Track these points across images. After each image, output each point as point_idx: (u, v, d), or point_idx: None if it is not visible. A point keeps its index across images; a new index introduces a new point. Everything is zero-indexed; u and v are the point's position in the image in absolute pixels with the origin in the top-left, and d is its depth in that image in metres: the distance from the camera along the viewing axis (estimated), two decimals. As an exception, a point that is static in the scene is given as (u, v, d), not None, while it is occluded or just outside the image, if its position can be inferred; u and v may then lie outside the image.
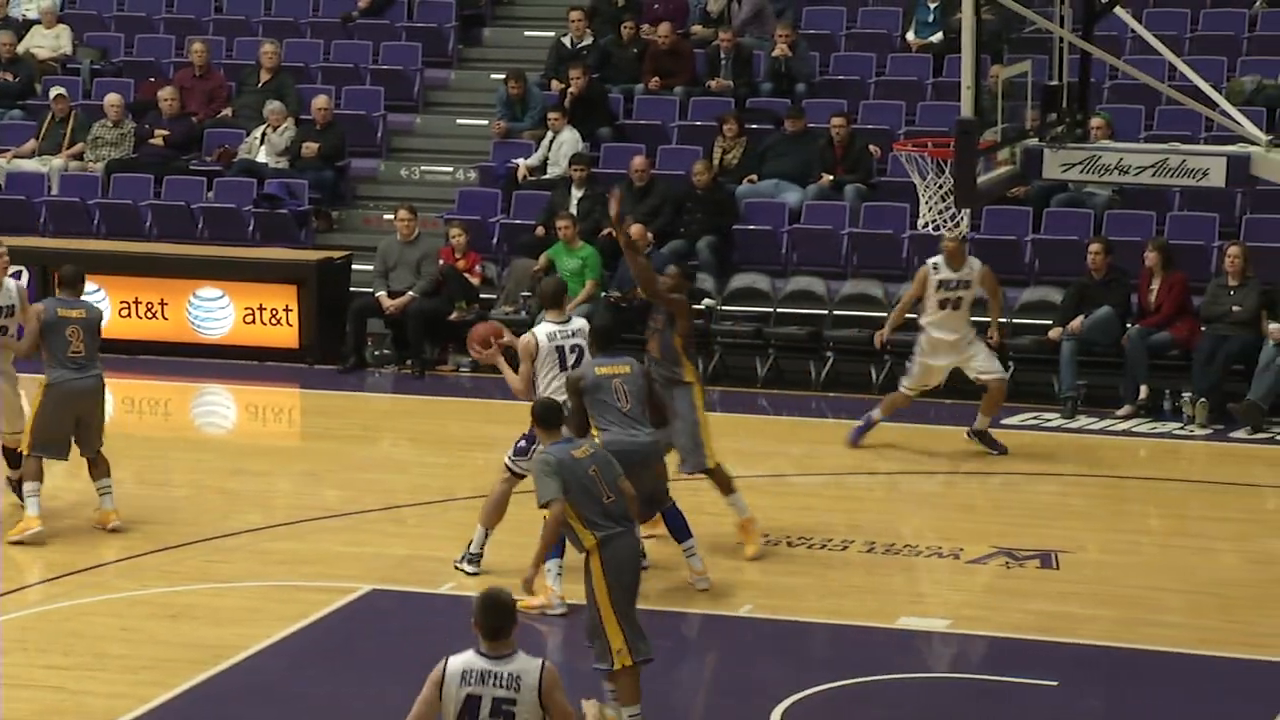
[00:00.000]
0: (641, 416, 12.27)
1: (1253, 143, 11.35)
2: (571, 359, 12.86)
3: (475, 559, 13.24)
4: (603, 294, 19.47)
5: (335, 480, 15.95)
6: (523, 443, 13.06)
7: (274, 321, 19.97)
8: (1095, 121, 17.60)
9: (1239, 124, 11.53)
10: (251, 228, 21.41)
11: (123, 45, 24.27)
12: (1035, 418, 17.79)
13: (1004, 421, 17.72)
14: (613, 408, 12.20)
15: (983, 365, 16.45)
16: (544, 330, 12.96)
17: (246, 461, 16.79)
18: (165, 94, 22.48)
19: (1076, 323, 17.95)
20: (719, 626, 12.42)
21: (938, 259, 16.38)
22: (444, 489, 15.63)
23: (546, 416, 10.72)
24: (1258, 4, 21.67)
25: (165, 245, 21.05)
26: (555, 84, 22.05)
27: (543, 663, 7.86)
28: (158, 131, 22.38)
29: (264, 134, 22.08)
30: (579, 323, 13.05)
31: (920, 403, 18.54)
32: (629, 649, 10.26)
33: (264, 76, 22.73)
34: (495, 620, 7.84)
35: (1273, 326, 17.71)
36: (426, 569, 13.44)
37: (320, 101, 22.01)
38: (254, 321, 20.01)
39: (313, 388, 19.31)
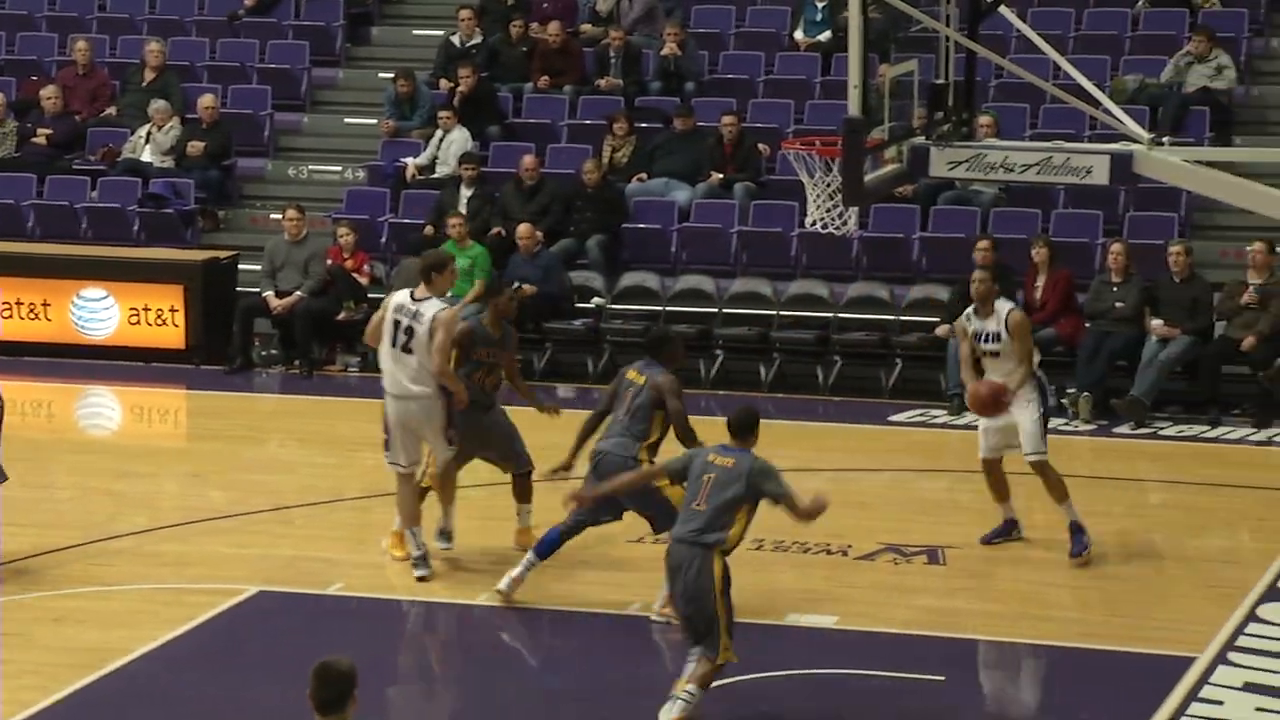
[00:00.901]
0: (627, 425, 12.29)
1: (1135, 141, 11.44)
2: (402, 340, 12.76)
3: (446, 534, 13.51)
4: (492, 293, 19.40)
5: (222, 481, 15.82)
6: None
7: (160, 322, 19.79)
8: (982, 120, 17.78)
9: (1122, 122, 11.62)
10: (136, 228, 21.21)
11: (4, 43, 23.97)
12: (923, 414, 17.90)
13: (891, 419, 17.81)
14: (618, 408, 12.44)
15: (1023, 441, 13.63)
16: (396, 297, 12.91)
17: (132, 463, 16.62)
18: (48, 92, 22.22)
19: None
20: (607, 625, 12.39)
21: (970, 308, 13.91)
22: (332, 489, 15.53)
23: (743, 424, 10.70)
24: (1140, 3, 21.89)
25: (48, 245, 20.80)
26: (444, 83, 21.97)
27: None
28: (40, 130, 22.12)
29: (149, 133, 21.86)
30: (430, 309, 12.73)
31: (809, 400, 18.63)
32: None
33: (149, 75, 22.52)
34: (326, 693, 7.25)
35: (1155, 323, 17.90)
36: (314, 570, 13.34)
37: (206, 100, 21.82)
38: (139, 322, 19.82)
39: (199, 388, 19.15)
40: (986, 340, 13.62)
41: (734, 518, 10.53)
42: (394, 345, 12.82)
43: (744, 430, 10.69)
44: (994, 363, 13.62)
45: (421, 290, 12.84)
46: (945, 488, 15.76)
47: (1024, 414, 13.53)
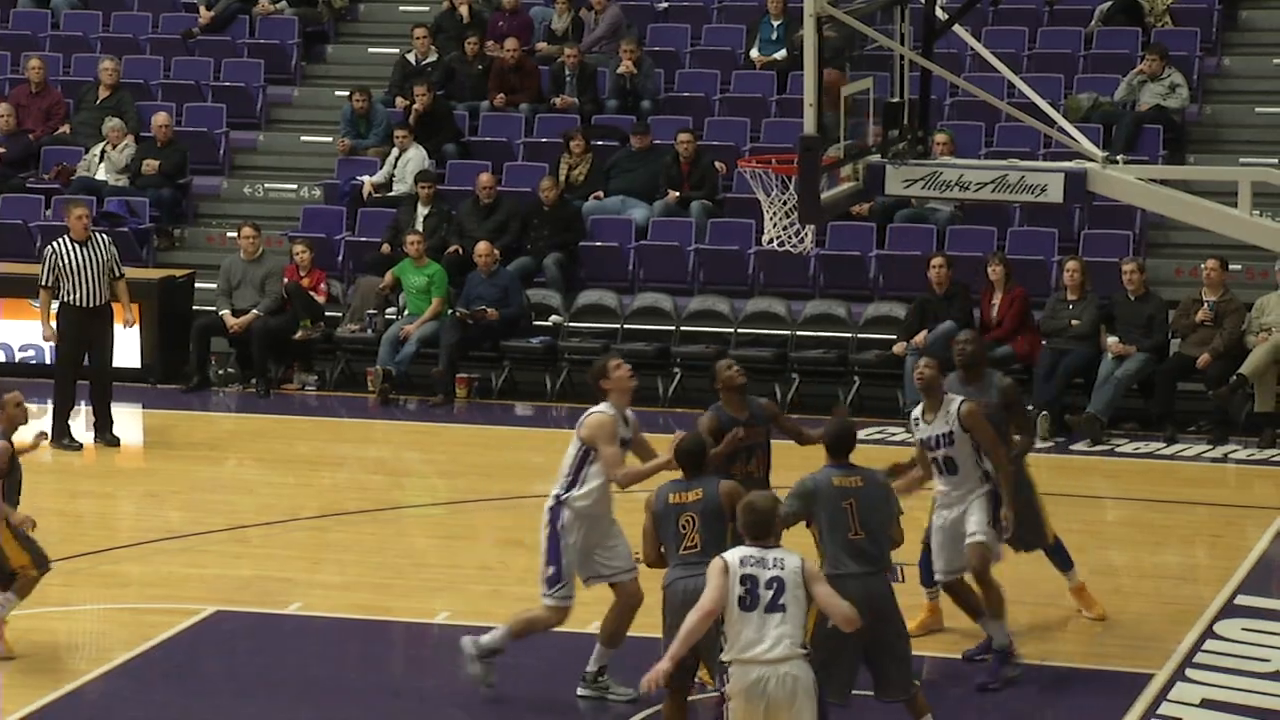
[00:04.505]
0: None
1: (1089, 159, 11.52)
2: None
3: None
4: (449, 311, 19.43)
5: (179, 501, 15.79)
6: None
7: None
8: (938, 138, 17.87)
9: (1076, 140, 11.70)
10: (92, 246, 21.14)
11: (-43, 61, 23.90)
12: (880, 432, 17.93)
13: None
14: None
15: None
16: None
17: (88, 483, 16.56)
18: (0, 110, 22.15)
19: (920, 337, 18.14)
20: (568, 645, 12.40)
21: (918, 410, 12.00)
22: (290, 509, 15.52)
23: (836, 444, 10.55)
24: (1094, 22, 22.03)
25: (2, 264, 20.70)
26: (400, 101, 21.97)
27: None
28: (-8, 148, 22.06)
29: (103, 151, 21.81)
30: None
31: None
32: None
33: (103, 93, 22.46)
34: None
35: (1111, 340, 17.99)
36: (272, 589, 13.33)
37: (160, 119, 21.77)
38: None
39: (155, 407, 19.09)
40: (936, 445, 11.80)
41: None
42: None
43: (850, 447, 10.53)
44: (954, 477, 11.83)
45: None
46: (904, 505, 15.77)
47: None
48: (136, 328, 19.57)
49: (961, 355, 12.21)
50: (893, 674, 10.46)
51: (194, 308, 20.15)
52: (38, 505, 15.44)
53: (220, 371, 19.87)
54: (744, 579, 9.18)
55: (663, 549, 10.61)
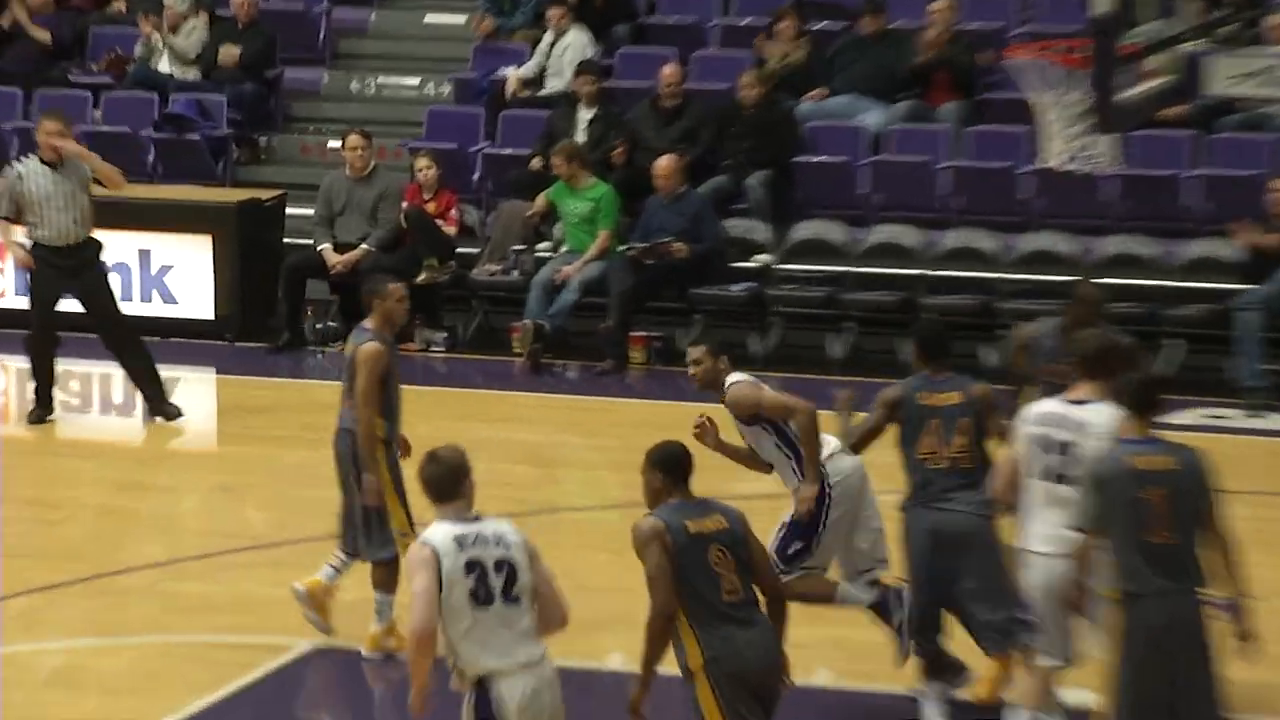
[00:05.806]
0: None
1: None
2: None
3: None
4: (620, 249, 19.45)
5: (262, 498, 15.97)
6: None
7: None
8: (1276, 20, 17.62)
9: None
10: (152, 159, 21.44)
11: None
12: (1208, 415, 17.64)
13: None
14: None
15: None
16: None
17: (146, 473, 16.80)
18: (40, -18, 22.54)
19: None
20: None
21: None
22: (407, 510, 15.62)
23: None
24: None
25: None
26: (557, -32, 22.06)
27: None
28: (31, 29, 22.33)
29: (165, 36, 22.04)
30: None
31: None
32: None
33: (167, -39, 22.75)
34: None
35: None
36: (383, 618, 13.42)
37: (242, -8, 22.05)
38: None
39: (234, 373, 19.33)
40: None
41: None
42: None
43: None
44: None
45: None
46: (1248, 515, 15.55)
47: None
48: (210, 270, 19.80)
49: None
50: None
51: (285, 241, 20.36)
52: (76, 497, 15.76)
53: (318, 325, 20.09)
54: (469, 566, 9.21)
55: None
